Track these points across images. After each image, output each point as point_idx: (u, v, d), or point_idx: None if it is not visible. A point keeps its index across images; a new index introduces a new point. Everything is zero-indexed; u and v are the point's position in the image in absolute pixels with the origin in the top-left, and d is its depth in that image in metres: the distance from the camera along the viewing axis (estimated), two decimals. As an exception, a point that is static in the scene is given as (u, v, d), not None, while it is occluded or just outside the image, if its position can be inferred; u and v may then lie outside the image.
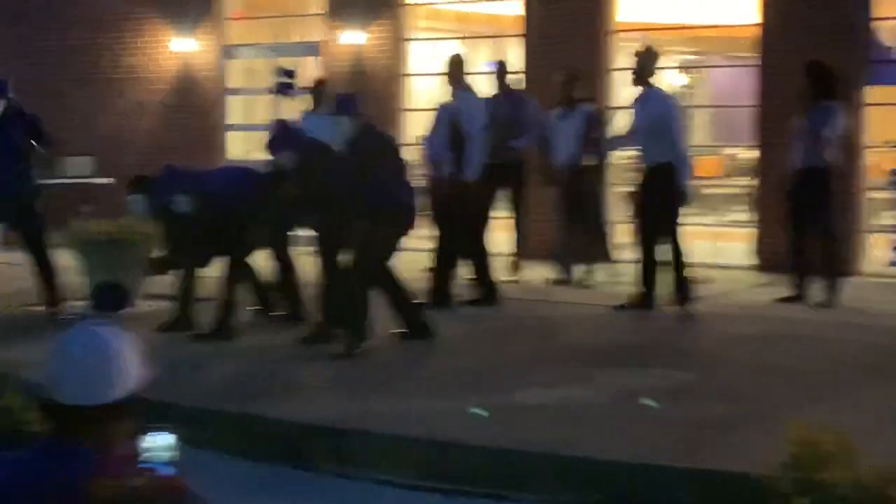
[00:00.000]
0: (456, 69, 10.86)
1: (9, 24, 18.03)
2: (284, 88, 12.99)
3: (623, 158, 12.78)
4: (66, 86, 17.59)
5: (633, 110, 10.60)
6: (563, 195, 11.85)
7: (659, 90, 10.53)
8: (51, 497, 2.72)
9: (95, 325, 2.84)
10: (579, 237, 11.90)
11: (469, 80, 11.03)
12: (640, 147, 10.51)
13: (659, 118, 10.11)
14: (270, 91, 13.23)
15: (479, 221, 11.01)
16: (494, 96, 12.00)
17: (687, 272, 10.20)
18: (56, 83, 17.61)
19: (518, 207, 12.09)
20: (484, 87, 12.06)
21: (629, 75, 10.68)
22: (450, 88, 10.87)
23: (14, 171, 10.13)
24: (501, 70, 12.17)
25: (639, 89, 10.43)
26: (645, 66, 10.34)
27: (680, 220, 10.23)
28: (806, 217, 10.66)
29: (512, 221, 12.17)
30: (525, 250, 12.39)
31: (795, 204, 10.71)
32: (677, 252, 10.16)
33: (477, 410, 6.77)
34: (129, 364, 2.83)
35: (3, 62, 17.71)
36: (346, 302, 8.69)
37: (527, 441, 6.30)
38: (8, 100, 10.15)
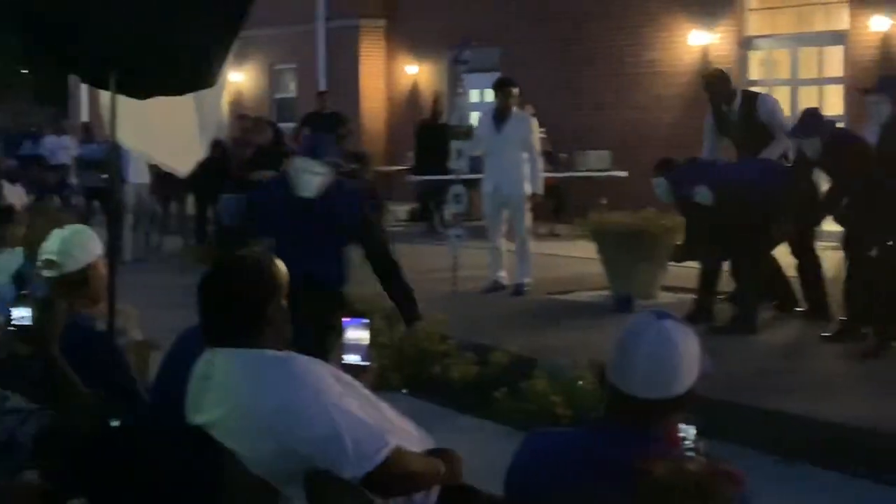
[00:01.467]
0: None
1: (541, 25, 18.80)
2: None
3: None
4: (590, 82, 18.11)
5: None
6: None
7: None
8: (603, 472, 2.77)
9: (661, 319, 2.82)
10: None
11: None
12: None
13: None
14: None
15: None
16: None
17: None
18: (581, 80, 18.18)
19: None
20: None
21: None
22: None
23: None
24: None
25: None
26: None
27: None
28: None
29: None
30: None
31: None
32: None
33: None
34: (693, 360, 2.80)
35: (534, 62, 18.59)
36: (875, 298, 8.27)
37: None
38: None
